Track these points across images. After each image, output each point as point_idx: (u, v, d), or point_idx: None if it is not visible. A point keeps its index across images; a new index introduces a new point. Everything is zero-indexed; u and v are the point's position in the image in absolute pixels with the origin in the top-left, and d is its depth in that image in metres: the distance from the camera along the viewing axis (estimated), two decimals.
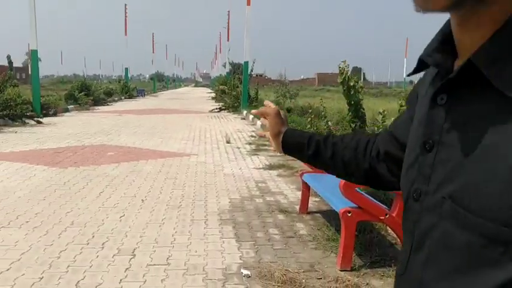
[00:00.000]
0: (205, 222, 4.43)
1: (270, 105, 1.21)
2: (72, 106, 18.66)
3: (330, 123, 8.89)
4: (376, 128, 6.69)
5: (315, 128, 8.30)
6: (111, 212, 4.64)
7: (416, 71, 0.71)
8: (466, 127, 0.56)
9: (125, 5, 38.64)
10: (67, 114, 16.83)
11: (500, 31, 0.53)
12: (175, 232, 4.13)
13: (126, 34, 38.33)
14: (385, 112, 6.00)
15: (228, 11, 42.73)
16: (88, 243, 3.79)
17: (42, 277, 3.15)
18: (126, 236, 4.00)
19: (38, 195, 5.20)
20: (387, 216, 3.31)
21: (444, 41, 0.64)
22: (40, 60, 20.35)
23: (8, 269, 3.25)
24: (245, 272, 3.33)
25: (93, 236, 3.96)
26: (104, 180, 6.01)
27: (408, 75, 0.76)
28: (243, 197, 5.43)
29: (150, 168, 6.86)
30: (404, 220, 0.68)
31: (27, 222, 4.29)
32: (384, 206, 3.46)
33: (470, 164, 0.54)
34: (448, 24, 0.63)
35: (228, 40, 42.33)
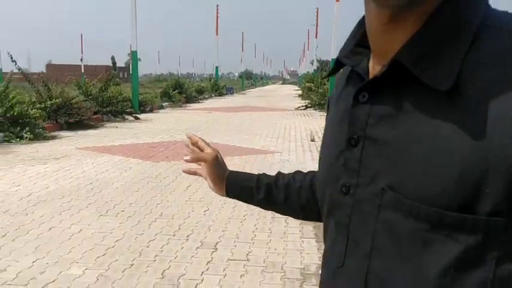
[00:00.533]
0: (285, 220, 4.45)
1: (202, 147, 1.06)
2: (166, 103, 19.80)
3: None
4: None
5: None
6: (196, 206, 4.85)
7: (333, 72, 0.73)
8: (395, 121, 0.58)
9: (217, 5, 40.04)
10: (162, 111, 17.88)
11: (423, 28, 0.56)
12: (256, 229, 4.20)
13: (217, 34, 39.70)
14: None
15: (317, 8, 42.37)
16: (174, 235, 4.01)
17: (133, 264, 3.39)
18: (209, 229, 4.15)
19: (133, 187, 5.61)
20: None
21: (358, 42, 0.67)
22: (140, 60, 21.85)
23: (104, 254, 3.55)
24: None
25: (179, 228, 4.17)
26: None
27: (324, 78, 0.72)
28: None
29: (235, 164, 7.04)
30: (333, 215, 0.69)
31: (122, 211, 4.65)
32: None
33: (406, 155, 0.56)
34: (361, 24, 0.66)
35: (316, 37, 41.99)
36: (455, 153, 0.52)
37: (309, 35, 54.55)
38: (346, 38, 0.72)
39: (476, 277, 0.53)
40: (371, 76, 0.63)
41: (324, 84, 23.45)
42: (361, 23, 0.66)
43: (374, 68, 0.63)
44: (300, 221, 4.40)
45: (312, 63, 46.32)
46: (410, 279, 0.57)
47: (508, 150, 0.50)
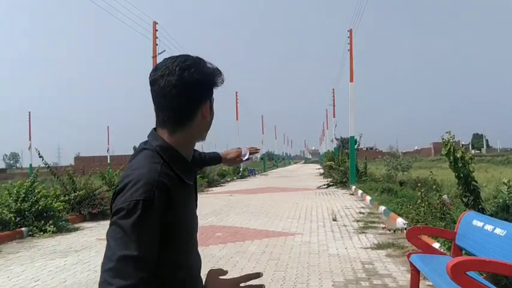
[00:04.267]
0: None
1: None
2: None
3: (444, 196, 8.23)
4: (500, 201, 6.01)
5: (427, 203, 7.73)
6: None
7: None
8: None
9: (236, 92, 41.85)
10: None
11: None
12: None
13: (237, 119, 41.02)
14: None
15: (333, 89, 43.66)
16: None
17: None
18: None
19: None
20: None
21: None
22: None
23: None
24: None
25: None
26: (210, 261, 6.17)
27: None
28: (348, 279, 5.14)
29: (255, 249, 6.90)
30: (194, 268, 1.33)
31: None
32: None
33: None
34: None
35: (334, 116, 42.79)
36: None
37: (327, 114, 55.81)
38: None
39: None
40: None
41: (345, 162, 23.49)
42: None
43: None
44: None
45: (332, 141, 46.70)
46: None
47: None
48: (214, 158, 1.96)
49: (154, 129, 1.29)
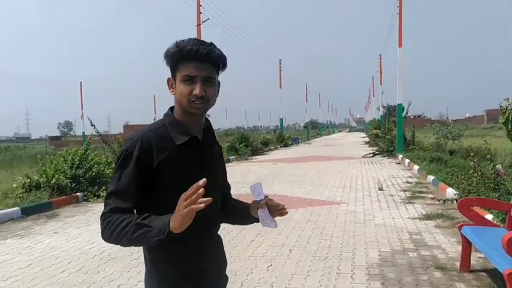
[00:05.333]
0: (351, 276, 4.25)
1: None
2: (233, 157, 20.25)
3: (498, 166, 7.86)
4: None
5: (480, 173, 7.42)
6: (259, 262, 4.79)
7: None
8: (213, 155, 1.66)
9: (280, 60, 41.38)
10: (228, 164, 18.27)
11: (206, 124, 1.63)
12: (320, 285, 4.05)
13: (281, 87, 40.70)
14: None
15: (380, 55, 42.22)
16: None
17: None
18: (272, 286, 4.06)
19: None
20: None
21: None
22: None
23: None
24: None
25: (242, 285, 4.12)
26: (255, 228, 6.25)
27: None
28: (395, 250, 5.08)
29: (299, 217, 6.94)
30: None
31: None
32: None
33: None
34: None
35: (380, 84, 41.55)
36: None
37: (373, 81, 54.28)
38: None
39: None
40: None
41: (392, 130, 22.88)
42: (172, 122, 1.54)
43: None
44: (367, 277, 4.20)
45: (378, 109, 45.53)
46: None
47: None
48: (243, 210, 1.82)
49: None
